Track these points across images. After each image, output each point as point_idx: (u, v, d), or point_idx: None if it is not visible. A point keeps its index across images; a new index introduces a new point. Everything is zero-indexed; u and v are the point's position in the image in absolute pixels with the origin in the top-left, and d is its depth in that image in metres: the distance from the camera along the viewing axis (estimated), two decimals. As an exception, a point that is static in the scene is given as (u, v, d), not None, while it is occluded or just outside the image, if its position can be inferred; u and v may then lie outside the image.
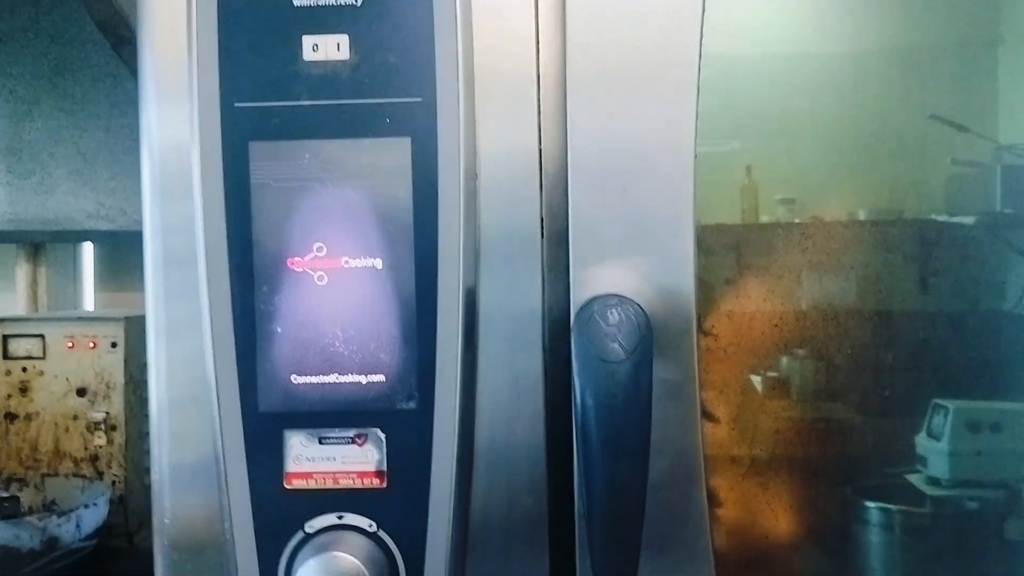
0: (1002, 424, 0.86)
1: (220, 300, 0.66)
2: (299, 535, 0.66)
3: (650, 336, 0.62)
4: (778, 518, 0.86)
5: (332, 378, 0.66)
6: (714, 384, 0.85)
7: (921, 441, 0.87)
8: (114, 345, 1.32)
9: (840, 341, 0.89)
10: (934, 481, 0.85)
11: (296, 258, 0.65)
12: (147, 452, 0.71)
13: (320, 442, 0.66)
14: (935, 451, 0.85)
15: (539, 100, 0.68)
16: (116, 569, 1.21)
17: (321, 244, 0.65)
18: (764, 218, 0.93)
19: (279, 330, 0.65)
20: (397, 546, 0.66)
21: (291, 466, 0.66)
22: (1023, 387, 0.87)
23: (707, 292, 0.85)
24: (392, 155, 0.65)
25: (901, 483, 0.87)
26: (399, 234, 0.65)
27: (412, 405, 0.66)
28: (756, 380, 0.88)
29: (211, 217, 0.65)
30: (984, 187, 0.92)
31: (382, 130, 0.65)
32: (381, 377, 0.66)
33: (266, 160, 0.65)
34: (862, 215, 0.94)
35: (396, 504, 0.66)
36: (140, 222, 0.70)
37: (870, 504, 0.86)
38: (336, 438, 0.66)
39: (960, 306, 0.91)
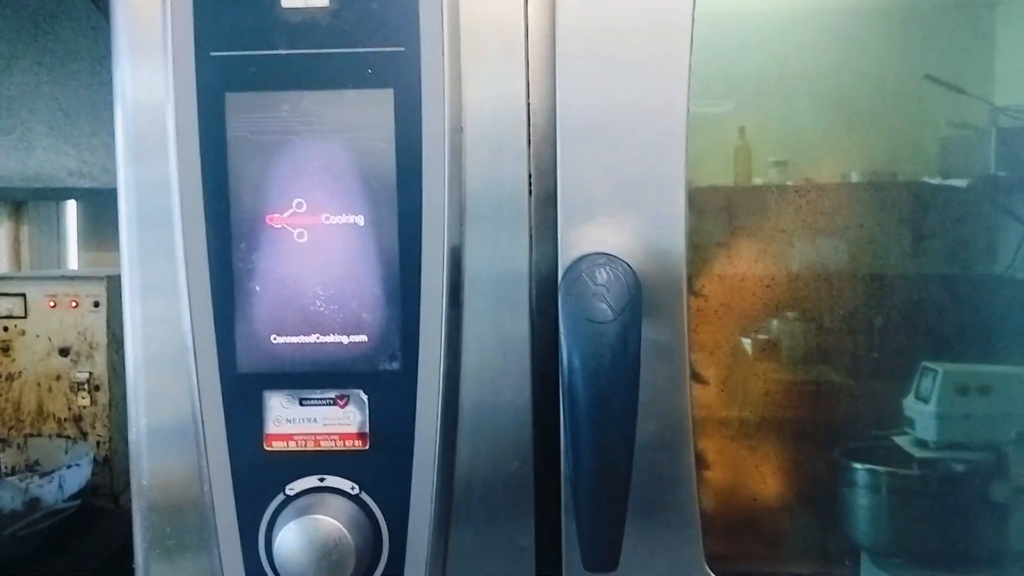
0: (991, 387, 0.86)
1: (197, 258, 0.64)
2: (280, 498, 0.65)
3: (639, 296, 0.61)
4: (766, 480, 0.86)
5: (313, 338, 0.64)
6: (704, 346, 0.84)
7: (910, 404, 0.86)
8: (97, 304, 1.30)
9: (831, 304, 0.88)
10: (922, 443, 0.85)
11: (275, 214, 0.64)
12: (129, 413, 0.70)
13: (301, 403, 0.65)
14: (923, 413, 0.85)
15: (527, 53, 0.66)
16: (101, 529, 1.21)
17: (301, 200, 0.64)
18: (757, 180, 0.92)
19: (258, 289, 0.64)
20: (380, 509, 0.65)
21: (271, 428, 0.65)
22: (1013, 350, 0.87)
23: (699, 253, 0.84)
24: (374, 107, 0.63)
25: (889, 445, 0.87)
26: (382, 190, 0.63)
27: (395, 366, 0.64)
28: (746, 342, 0.88)
29: (186, 172, 0.64)
30: (979, 149, 0.91)
31: (364, 81, 0.63)
32: (363, 337, 0.64)
33: (243, 112, 0.63)
34: (855, 177, 0.92)
35: (379, 466, 0.65)
36: (121, 180, 0.68)
37: (858, 466, 0.86)
38: (317, 399, 0.65)
39: (952, 269, 0.91)
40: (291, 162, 0.63)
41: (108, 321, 1.30)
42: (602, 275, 0.61)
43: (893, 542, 0.87)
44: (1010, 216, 0.91)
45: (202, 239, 0.64)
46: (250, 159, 0.63)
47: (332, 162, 0.63)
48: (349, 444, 0.65)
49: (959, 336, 0.88)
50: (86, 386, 1.30)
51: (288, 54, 0.63)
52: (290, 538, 0.62)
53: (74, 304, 1.31)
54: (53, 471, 1.11)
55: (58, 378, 1.31)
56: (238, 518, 0.65)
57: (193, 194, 0.64)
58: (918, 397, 0.86)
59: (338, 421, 0.65)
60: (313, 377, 0.65)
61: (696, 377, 0.73)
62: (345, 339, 0.64)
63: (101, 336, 1.30)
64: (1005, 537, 0.84)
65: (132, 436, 0.68)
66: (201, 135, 0.63)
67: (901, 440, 0.86)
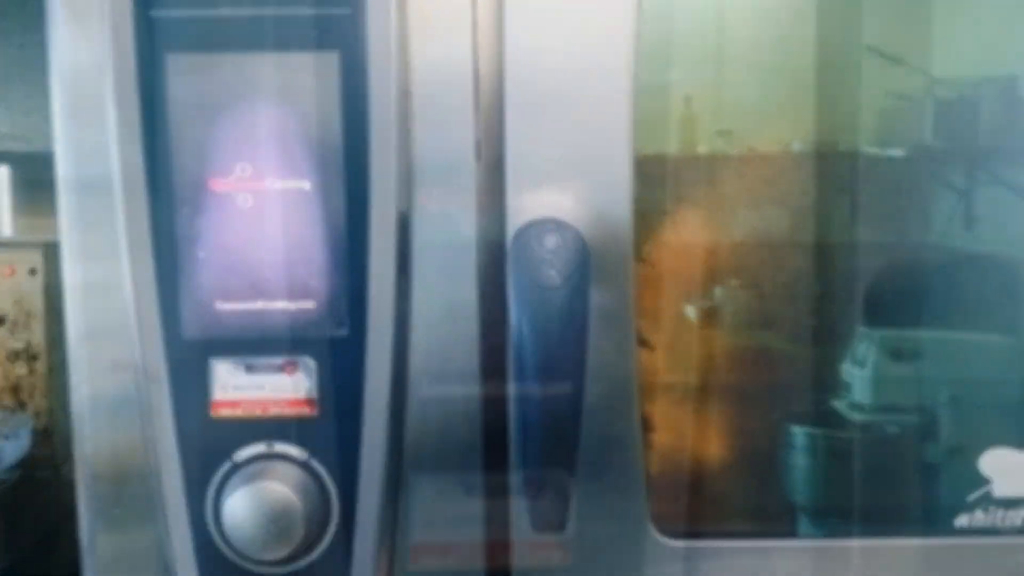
0: (924, 352, 0.88)
1: (138, 224, 0.63)
2: (227, 465, 0.65)
3: (587, 262, 0.61)
4: (709, 443, 0.88)
5: (259, 304, 0.64)
6: (649, 311, 0.85)
7: (847, 368, 0.88)
8: (33, 272, 1.27)
9: (773, 271, 0.89)
10: (858, 407, 0.87)
11: (219, 179, 0.63)
12: (70, 382, 0.69)
13: (248, 370, 0.64)
14: (859, 378, 0.87)
15: (475, 17, 0.65)
16: (42, 501, 1.18)
17: (245, 164, 0.63)
18: (702, 149, 0.93)
19: (202, 255, 0.63)
20: (329, 475, 0.65)
21: (218, 395, 0.64)
22: (945, 316, 0.89)
23: (644, 221, 0.85)
24: (319, 70, 0.62)
25: (826, 409, 0.89)
26: (328, 154, 0.62)
27: (344, 332, 0.64)
28: (691, 308, 0.89)
29: (126, 136, 0.62)
30: (915, 120, 0.93)
31: (309, 43, 0.62)
32: (311, 304, 0.64)
33: (185, 74, 0.62)
34: (797, 147, 0.94)
35: (328, 433, 0.65)
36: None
37: (796, 429, 0.88)
38: (264, 366, 0.64)
39: (888, 237, 0.93)
40: (235, 126, 0.62)
41: (46, 289, 1.27)
42: (550, 241, 0.61)
43: (829, 502, 0.89)
44: (944, 185, 0.93)
45: (144, 205, 0.62)
46: (192, 123, 0.62)
47: (277, 126, 0.62)
48: (297, 411, 0.65)
49: (894, 302, 0.90)
50: (23, 355, 1.27)
51: (231, 15, 0.62)
52: (238, 505, 0.62)
53: (9, 272, 1.27)
54: (-10, 443, 1.08)
55: (-7, 348, 1.27)
56: (185, 486, 0.65)
57: (134, 159, 0.62)
58: (855, 362, 0.88)
59: (286, 388, 0.65)
60: (260, 343, 0.64)
61: (642, 342, 0.74)
62: (292, 305, 0.64)
63: (38, 304, 1.27)
64: (936, 496, 0.87)
65: (74, 405, 0.67)
66: (141, 98, 0.62)
67: (838, 404, 0.88)
